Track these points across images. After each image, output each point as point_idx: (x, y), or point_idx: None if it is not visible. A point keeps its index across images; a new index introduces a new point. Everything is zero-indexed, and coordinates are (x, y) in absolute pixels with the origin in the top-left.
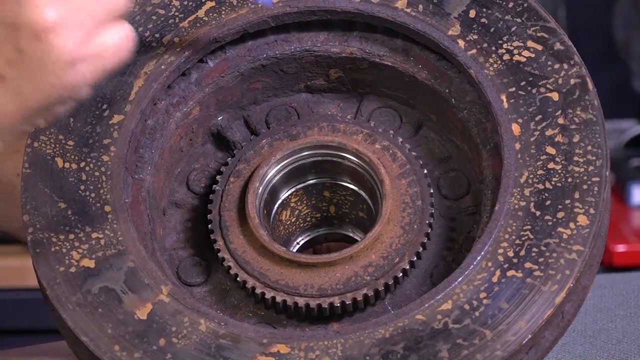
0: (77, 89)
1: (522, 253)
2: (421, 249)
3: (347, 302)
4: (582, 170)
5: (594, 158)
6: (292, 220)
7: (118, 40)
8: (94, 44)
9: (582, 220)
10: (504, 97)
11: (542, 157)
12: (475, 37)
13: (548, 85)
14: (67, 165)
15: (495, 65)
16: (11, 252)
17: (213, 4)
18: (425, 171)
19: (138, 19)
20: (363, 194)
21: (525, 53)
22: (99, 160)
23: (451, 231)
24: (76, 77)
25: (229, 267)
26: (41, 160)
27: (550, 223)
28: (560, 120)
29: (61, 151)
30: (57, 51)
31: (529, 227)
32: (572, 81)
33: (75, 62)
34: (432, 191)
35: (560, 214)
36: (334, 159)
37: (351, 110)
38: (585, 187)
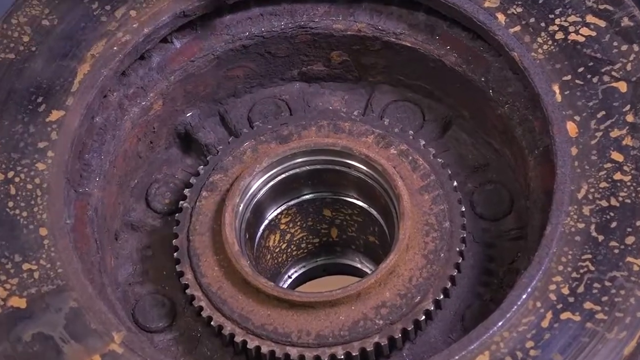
0: None
1: (581, 290)
2: (449, 284)
3: (354, 354)
4: None
5: None
6: (283, 247)
7: None
8: None
9: None
10: (556, 88)
11: (605, 166)
12: (520, 9)
13: (613, 73)
14: None
15: (545, 47)
16: None
17: None
18: (455, 183)
19: None
20: (374, 212)
21: (584, 31)
22: (33, 169)
23: (488, 261)
24: None
25: (201, 308)
26: None
27: (616, 251)
28: (629, 118)
29: None
30: None
31: (590, 256)
32: None
33: None
34: (463, 209)
35: (629, 239)
36: (337, 168)
37: (359, 104)
38: None
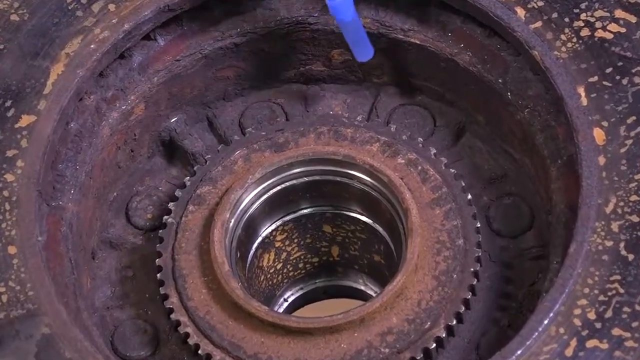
0: None
1: (609, 314)
2: (463, 308)
3: None
4: None
5: None
6: (278, 267)
7: None
8: None
9: None
10: (581, 90)
11: (636, 177)
12: (541, 3)
13: None
14: None
15: (569, 45)
16: None
17: None
18: (470, 196)
19: None
20: (379, 229)
21: (612, 27)
22: (0, 181)
23: (506, 283)
24: None
25: (187, 335)
26: None
27: None
28: None
29: None
30: None
31: (618, 277)
32: None
33: None
34: (478, 225)
35: None
36: (338, 179)
37: (363, 108)
38: None
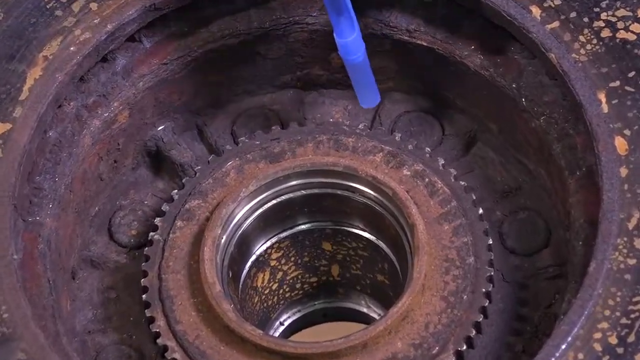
0: None
1: (632, 339)
2: (474, 332)
3: None
4: None
5: None
6: (274, 288)
7: None
8: None
9: None
10: (602, 96)
11: None
12: (559, 2)
13: None
14: None
15: (589, 47)
16: None
17: None
18: (481, 211)
19: None
20: (383, 246)
21: (636, 27)
22: None
23: (521, 305)
24: None
25: None
26: None
27: None
28: None
29: None
30: None
31: None
32: None
33: None
34: (491, 242)
35: None
36: (339, 192)
37: (365, 115)
38: None
